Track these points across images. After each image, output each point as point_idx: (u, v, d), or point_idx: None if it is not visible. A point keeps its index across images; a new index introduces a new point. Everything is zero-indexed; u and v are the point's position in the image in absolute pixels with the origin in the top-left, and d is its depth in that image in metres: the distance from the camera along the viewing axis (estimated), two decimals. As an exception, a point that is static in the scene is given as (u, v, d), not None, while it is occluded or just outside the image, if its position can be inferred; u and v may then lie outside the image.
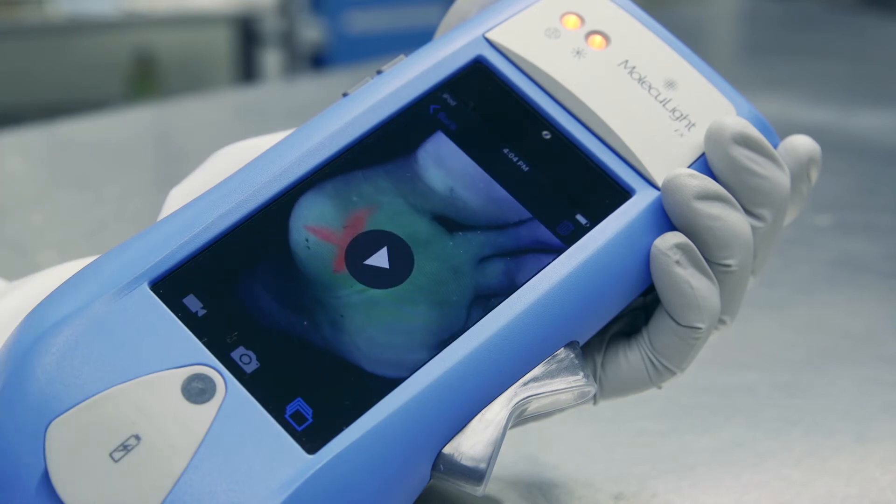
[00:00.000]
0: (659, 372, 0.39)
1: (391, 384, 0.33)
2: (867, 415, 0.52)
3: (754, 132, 0.38)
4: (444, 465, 0.34)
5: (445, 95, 0.39)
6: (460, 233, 0.37)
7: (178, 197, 0.41)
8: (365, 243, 0.36)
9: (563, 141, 0.39)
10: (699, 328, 0.38)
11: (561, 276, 0.36)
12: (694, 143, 0.39)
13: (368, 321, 0.35)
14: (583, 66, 0.40)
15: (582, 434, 0.49)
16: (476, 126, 0.39)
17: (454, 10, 0.43)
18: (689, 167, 0.38)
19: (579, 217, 0.37)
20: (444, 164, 0.38)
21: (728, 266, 0.38)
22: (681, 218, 0.37)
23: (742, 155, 0.38)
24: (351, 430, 0.33)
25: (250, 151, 0.40)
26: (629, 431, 0.50)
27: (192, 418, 0.32)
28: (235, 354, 0.33)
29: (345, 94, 0.39)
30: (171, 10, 2.47)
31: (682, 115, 0.39)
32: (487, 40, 0.40)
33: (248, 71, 2.59)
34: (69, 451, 0.31)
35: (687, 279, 0.37)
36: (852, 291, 0.68)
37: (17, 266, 0.72)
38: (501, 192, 0.38)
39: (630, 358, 0.39)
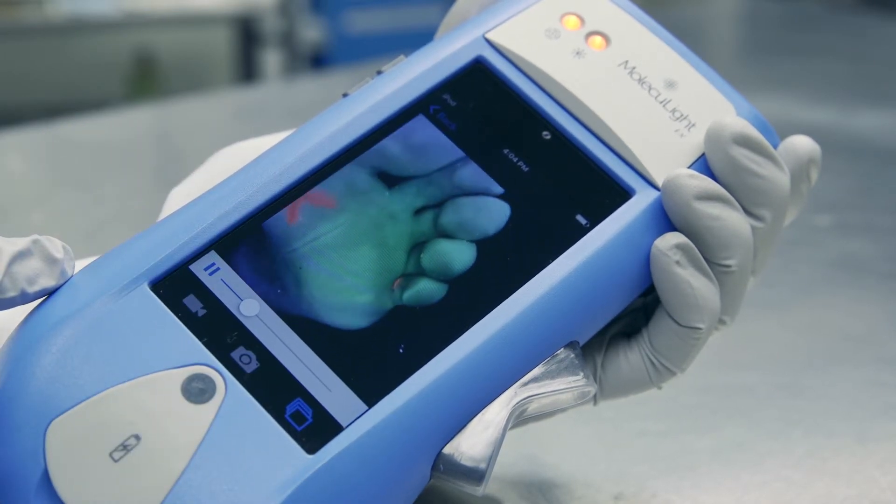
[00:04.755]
0: (659, 372, 0.39)
1: (391, 383, 0.33)
2: (868, 416, 0.52)
3: (754, 132, 0.38)
4: (443, 466, 0.34)
5: (445, 96, 0.39)
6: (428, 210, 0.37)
7: (178, 197, 0.41)
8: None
9: (563, 141, 0.39)
10: (699, 328, 0.38)
11: (561, 276, 0.36)
12: (694, 143, 0.39)
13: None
14: (583, 67, 0.40)
15: (582, 434, 0.49)
16: (476, 126, 0.39)
17: (454, 10, 0.43)
18: (689, 167, 0.38)
19: (579, 217, 0.37)
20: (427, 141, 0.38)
21: (728, 266, 0.38)
22: (681, 218, 0.37)
23: (742, 155, 0.38)
24: (351, 429, 0.33)
25: (250, 151, 0.40)
26: (629, 431, 0.50)
27: (191, 418, 0.32)
28: (235, 354, 0.33)
29: (345, 95, 0.39)
30: (171, 10, 2.47)
31: (682, 115, 0.39)
32: (487, 41, 0.40)
33: (248, 71, 2.58)
34: (69, 450, 0.31)
35: (687, 279, 0.37)
36: (852, 292, 0.68)
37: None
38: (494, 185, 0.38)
39: (630, 358, 0.39)
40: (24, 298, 0.33)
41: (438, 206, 0.37)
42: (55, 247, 0.34)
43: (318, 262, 0.36)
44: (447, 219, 0.37)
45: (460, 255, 0.36)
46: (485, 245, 0.37)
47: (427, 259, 0.36)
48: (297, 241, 0.36)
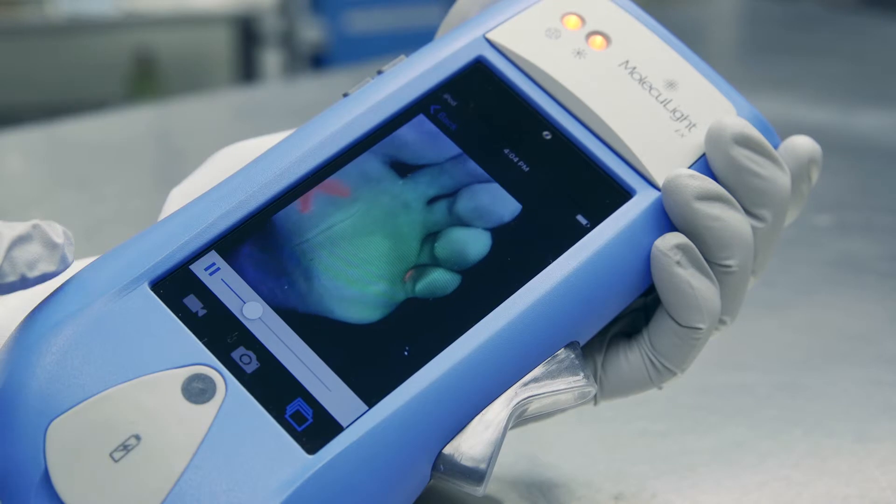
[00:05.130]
0: (659, 372, 0.39)
1: (391, 383, 0.33)
2: (867, 415, 0.52)
3: (754, 132, 0.38)
4: (444, 466, 0.34)
5: (446, 96, 0.39)
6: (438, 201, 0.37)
7: (178, 197, 0.41)
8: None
9: (564, 141, 0.39)
10: (700, 329, 0.38)
11: (561, 277, 0.36)
12: (694, 143, 0.39)
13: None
14: (583, 67, 0.40)
15: (582, 434, 0.49)
16: (476, 126, 0.39)
17: (455, 10, 0.43)
18: (689, 167, 0.38)
19: (580, 217, 0.37)
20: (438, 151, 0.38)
21: (728, 266, 0.38)
22: (681, 218, 0.37)
23: (742, 155, 0.38)
24: (351, 430, 0.33)
25: (250, 151, 0.40)
26: (629, 431, 0.50)
27: (192, 418, 0.32)
28: (236, 354, 0.33)
29: (345, 95, 0.39)
30: (171, 10, 2.47)
31: (682, 115, 0.39)
32: (488, 41, 0.40)
33: (248, 71, 2.58)
34: (69, 450, 0.31)
35: (687, 279, 0.37)
36: (852, 291, 0.68)
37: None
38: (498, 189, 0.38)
39: (630, 358, 0.39)
40: (23, 283, 0.33)
41: (447, 197, 0.37)
42: (55, 231, 0.34)
43: (321, 257, 0.36)
44: (458, 206, 0.37)
45: (475, 242, 0.36)
46: (493, 237, 0.37)
47: (440, 248, 0.36)
48: (298, 239, 0.36)
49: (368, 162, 0.38)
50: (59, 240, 0.34)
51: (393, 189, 0.37)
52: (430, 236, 0.37)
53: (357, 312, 0.35)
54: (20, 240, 0.33)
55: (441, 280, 0.36)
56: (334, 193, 0.37)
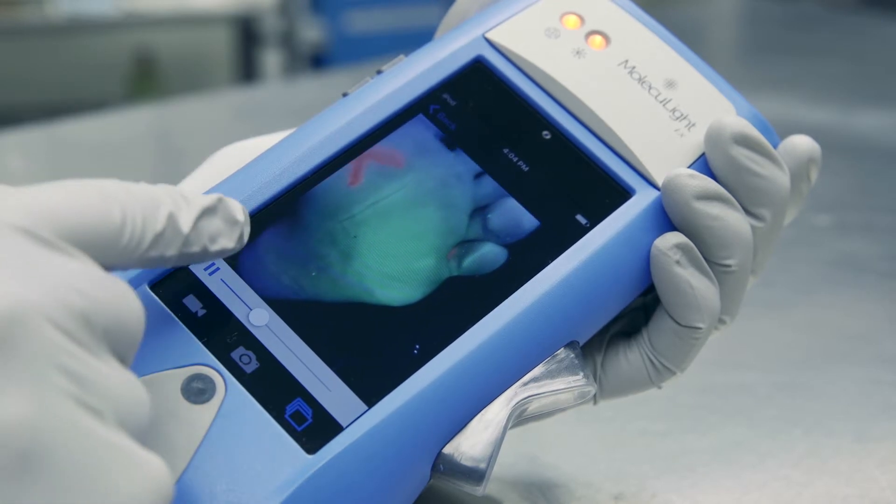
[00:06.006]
0: (659, 372, 0.39)
1: (391, 383, 0.33)
2: (867, 415, 0.52)
3: (754, 132, 0.38)
4: (444, 465, 0.34)
5: (445, 95, 0.39)
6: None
7: (178, 197, 0.41)
8: None
9: (564, 141, 0.39)
10: (699, 328, 0.38)
11: (561, 276, 0.36)
12: (694, 142, 0.39)
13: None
14: (583, 66, 0.40)
15: (582, 434, 0.49)
16: (476, 126, 0.39)
17: (454, 10, 0.43)
18: (689, 167, 0.38)
19: (579, 217, 0.37)
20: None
21: (728, 266, 0.38)
22: (681, 218, 0.37)
23: (742, 155, 0.38)
24: (351, 429, 0.33)
25: (250, 151, 0.40)
26: (629, 431, 0.50)
27: (192, 418, 0.32)
28: (235, 354, 0.33)
29: (345, 94, 0.39)
30: (171, 10, 2.47)
31: (682, 114, 0.39)
32: (487, 40, 0.40)
33: (248, 71, 2.58)
34: (69, 450, 0.31)
35: (687, 279, 0.37)
36: (852, 291, 0.68)
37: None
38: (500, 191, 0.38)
39: (630, 358, 0.39)
40: (203, 256, 0.32)
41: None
42: (237, 209, 0.33)
43: (320, 255, 0.36)
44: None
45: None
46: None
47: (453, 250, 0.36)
48: (297, 238, 0.36)
49: (367, 160, 0.38)
50: (240, 217, 0.33)
51: (400, 184, 0.37)
52: (451, 219, 0.37)
53: (365, 298, 0.35)
54: (207, 211, 0.32)
55: (478, 256, 0.36)
56: (334, 191, 0.37)
